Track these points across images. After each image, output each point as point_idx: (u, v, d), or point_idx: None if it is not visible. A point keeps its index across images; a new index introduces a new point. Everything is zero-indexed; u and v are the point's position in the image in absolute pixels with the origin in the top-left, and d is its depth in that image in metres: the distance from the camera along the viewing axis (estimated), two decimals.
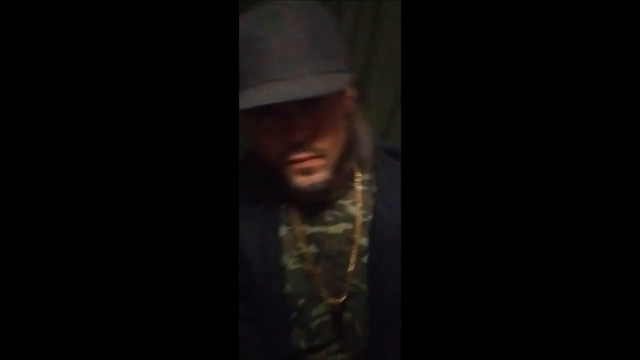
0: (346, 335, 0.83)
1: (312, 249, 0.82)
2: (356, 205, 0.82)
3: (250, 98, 0.69)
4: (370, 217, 0.82)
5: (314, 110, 0.73)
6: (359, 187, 0.83)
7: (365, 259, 0.81)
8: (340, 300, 0.81)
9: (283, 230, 0.83)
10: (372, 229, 0.81)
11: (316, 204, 0.82)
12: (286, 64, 0.70)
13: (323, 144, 0.75)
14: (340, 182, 0.82)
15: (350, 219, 0.82)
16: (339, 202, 0.83)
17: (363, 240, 0.81)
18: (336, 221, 0.82)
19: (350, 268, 0.81)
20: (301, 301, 0.82)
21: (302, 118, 0.73)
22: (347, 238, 0.81)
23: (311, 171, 0.75)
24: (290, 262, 0.82)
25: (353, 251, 0.81)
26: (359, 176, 0.84)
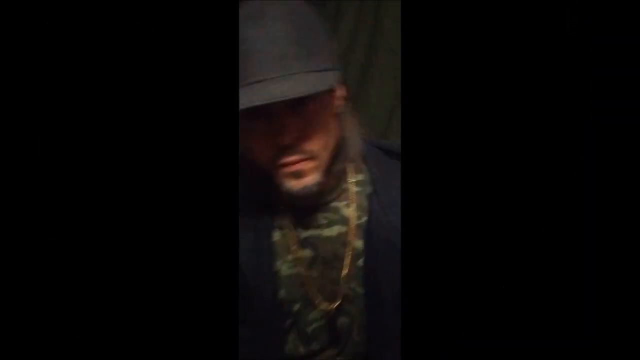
0: (344, 339, 0.81)
1: (307, 253, 0.80)
2: (350, 206, 0.81)
3: None
4: (365, 218, 0.80)
5: (303, 110, 0.71)
6: (353, 188, 0.82)
7: (360, 262, 0.80)
8: (335, 306, 0.80)
9: (276, 235, 0.81)
10: (367, 231, 0.80)
11: (309, 207, 0.80)
12: (271, 64, 0.68)
13: (313, 146, 0.73)
14: (333, 183, 0.80)
15: (345, 221, 0.80)
16: (333, 204, 0.81)
17: (358, 243, 0.80)
18: (330, 224, 0.81)
19: (344, 272, 0.79)
20: (296, 306, 0.81)
21: (290, 119, 0.71)
22: (342, 241, 0.80)
23: (302, 174, 0.73)
24: (283, 267, 0.81)
25: (347, 254, 0.80)
26: (352, 177, 0.82)
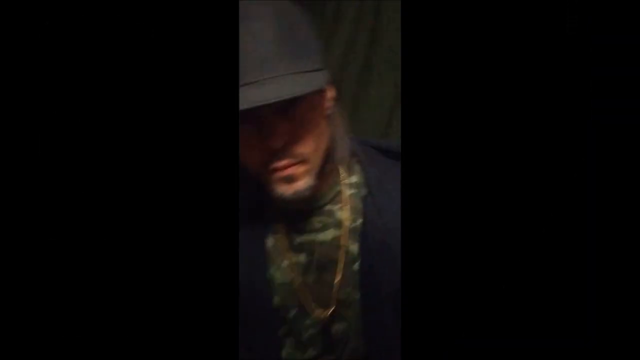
0: (341, 345, 0.80)
1: (301, 258, 0.79)
2: (344, 209, 0.79)
3: None
4: (360, 221, 0.78)
5: (291, 113, 0.69)
6: (347, 191, 0.80)
7: (356, 266, 0.78)
8: (328, 313, 0.78)
9: (270, 241, 0.79)
10: (362, 234, 0.78)
11: (303, 211, 0.78)
12: (257, 66, 0.66)
13: (304, 149, 0.71)
14: (327, 186, 0.78)
15: (339, 224, 0.78)
16: (327, 207, 0.79)
17: (353, 246, 0.78)
18: (325, 228, 0.79)
19: (337, 277, 0.78)
20: (291, 313, 0.79)
21: (279, 123, 0.69)
22: (337, 245, 0.78)
23: (294, 179, 0.71)
24: (277, 274, 0.79)
25: (340, 259, 0.78)
26: (346, 179, 0.80)
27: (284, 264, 0.79)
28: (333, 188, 0.79)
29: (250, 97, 0.64)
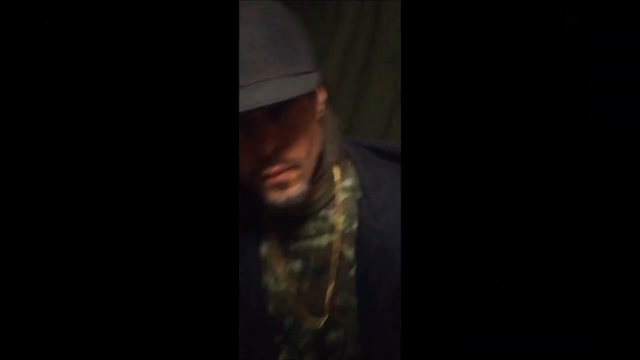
0: (338, 352, 0.78)
1: (297, 265, 0.77)
2: (339, 214, 0.77)
3: None
4: (355, 225, 0.77)
5: (282, 117, 0.68)
6: (342, 195, 0.78)
7: (352, 272, 0.76)
8: (321, 323, 0.76)
9: (264, 249, 0.78)
10: (358, 239, 0.76)
11: (297, 217, 0.77)
12: (247, 70, 0.65)
13: (296, 154, 0.70)
14: (320, 191, 0.77)
15: (335, 229, 0.76)
16: (322, 212, 0.77)
17: (349, 252, 0.76)
18: (320, 233, 0.77)
19: (330, 286, 0.76)
20: (286, 321, 0.78)
21: (269, 128, 0.67)
22: (333, 250, 0.76)
23: (286, 185, 0.70)
24: (272, 282, 0.78)
25: (333, 265, 0.76)
26: (340, 182, 0.78)
27: (278, 271, 0.78)
28: (327, 192, 0.78)
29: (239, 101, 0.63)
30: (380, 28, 1.73)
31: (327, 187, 0.78)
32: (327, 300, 0.76)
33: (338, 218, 0.77)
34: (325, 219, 0.78)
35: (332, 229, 0.77)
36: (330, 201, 0.78)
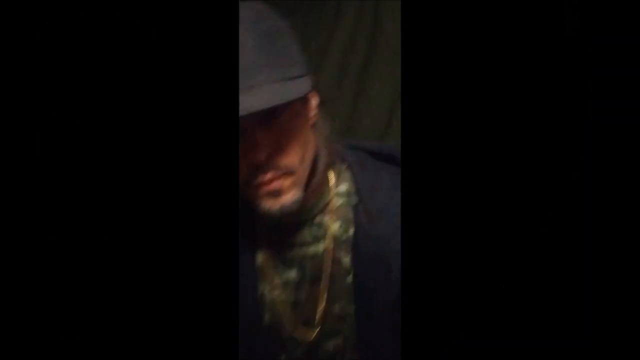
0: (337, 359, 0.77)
1: (292, 274, 0.76)
2: (335, 220, 0.75)
3: None
4: (351, 231, 0.75)
5: (274, 123, 0.66)
6: (337, 201, 0.76)
7: (349, 279, 0.75)
8: (314, 334, 0.75)
9: (259, 258, 0.77)
10: (355, 245, 0.75)
11: (293, 224, 0.75)
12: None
13: (289, 160, 0.68)
14: (316, 197, 0.75)
15: (331, 236, 0.75)
16: (317, 218, 0.76)
17: (346, 259, 0.75)
18: (316, 240, 0.76)
19: (324, 295, 0.74)
20: (283, 331, 0.76)
21: (261, 134, 0.66)
22: (329, 257, 0.75)
23: (280, 193, 0.68)
24: (267, 291, 0.76)
25: (325, 274, 0.74)
26: (335, 188, 0.77)
27: (275, 280, 0.76)
28: (322, 198, 0.76)
29: None
30: (380, 28, 1.73)
31: (322, 193, 0.76)
32: (319, 310, 0.75)
33: (334, 224, 0.76)
34: (321, 225, 0.76)
35: (328, 236, 0.75)
36: (325, 207, 0.76)
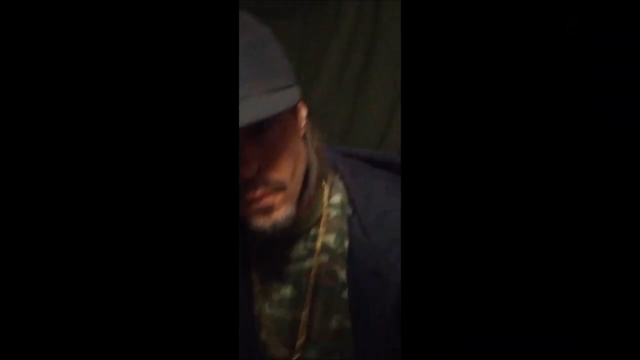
0: None
1: (288, 290, 0.74)
2: (330, 233, 0.73)
3: None
4: (346, 244, 0.73)
5: (262, 136, 0.64)
6: (331, 213, 0.74)
7: (345, 294, 0.73)
8: (311, 351, 0.73)
9: (254, 275, 0.75)
10: (350, 258, 0.73)
11: (287, 238, 0.73)
12: None
13: (280, 175, 0.66)
14: (309, 210, 0.73)
15: (326, 249, 0.73)
16: (312, 232, 0.74)
17: (342, 273, 0.73)
18: (312, 254, 0.73)
19: (305, 312, 0.72)
20: (278, 350, 0.75)
21: (249, 149, 0.63)
22: (325, 271, 0.73)
23: (272, 209, 0.66)
24: (265, 307, 0.75)
25: (320, 290, 0.72)
26: (328, 200, 0.74)
27: (271, 297, 0.75)
28: (315, 211, 0.74)
29: None
30: (380, 28, 1.73)
31: (315, 206, 0.74)
32: (315, 326, 0.73)
33: (329, 237, 0.74)
34: (316, 238, 0.74)
35: (323, 249, 0.73)
36: (319, 220, 0.74)
